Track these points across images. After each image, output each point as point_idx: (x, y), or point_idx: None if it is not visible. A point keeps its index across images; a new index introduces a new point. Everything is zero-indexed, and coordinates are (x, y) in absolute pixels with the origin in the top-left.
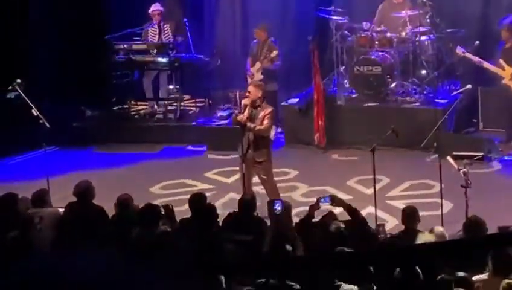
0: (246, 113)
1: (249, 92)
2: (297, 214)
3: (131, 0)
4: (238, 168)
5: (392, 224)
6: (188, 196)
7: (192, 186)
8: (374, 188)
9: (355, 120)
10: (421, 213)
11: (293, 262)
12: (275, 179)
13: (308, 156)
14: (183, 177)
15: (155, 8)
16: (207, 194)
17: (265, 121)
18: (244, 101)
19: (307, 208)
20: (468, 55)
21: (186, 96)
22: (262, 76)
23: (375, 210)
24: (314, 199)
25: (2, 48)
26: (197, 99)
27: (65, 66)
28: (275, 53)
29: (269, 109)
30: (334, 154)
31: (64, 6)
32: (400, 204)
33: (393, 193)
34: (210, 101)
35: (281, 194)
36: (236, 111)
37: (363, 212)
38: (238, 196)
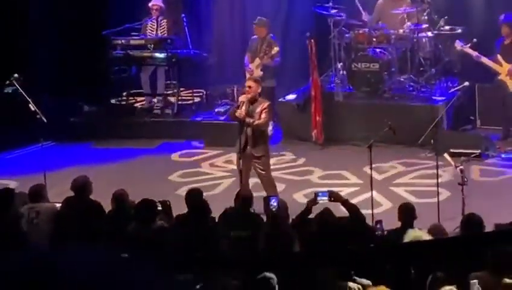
0: (243, 108)
1: (250, 86)
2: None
3: None
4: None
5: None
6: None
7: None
8: (371, 184)
9: (353, 117)
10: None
11: (288, 258)
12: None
13: (307, 151)
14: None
15: (155, 2)
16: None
17: (263, 115)
18: (241, 98)
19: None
20: (466, 49)
21: (183, 89)
22: (262, 72)
23: (372, 207)
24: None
25: (0, 43)
26: (195, 95)
27: (63, 61)
28: (276, 50)
29: (266, 104)
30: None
31: (63, 1)
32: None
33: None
34: (206, 93)
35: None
36: (233, 107)
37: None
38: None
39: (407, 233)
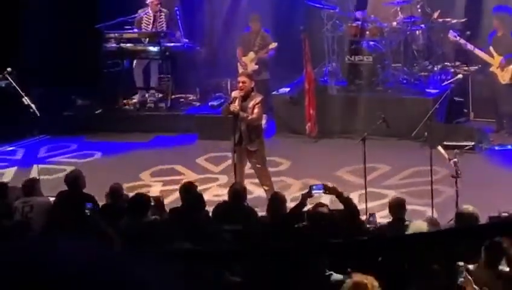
0: (236, 103)
1: (243, 82)
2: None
3: None
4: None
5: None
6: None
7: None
8: (365, 178)
9: (346, 110)
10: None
11: (283, 251)
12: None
13: (299, 146)
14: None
15: None
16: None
17: (256, 110)
18: (234, 94)
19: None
20: (459, 40)
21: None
22: (257, 66)
23: (366, 200)
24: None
25: None
26: (188, 88)
27: (56, 55)
28: (274, 44)
29: (259, 98)
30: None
31: None
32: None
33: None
34: (200, 92)
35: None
36: (226, 103)
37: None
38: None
39: (410, 225)
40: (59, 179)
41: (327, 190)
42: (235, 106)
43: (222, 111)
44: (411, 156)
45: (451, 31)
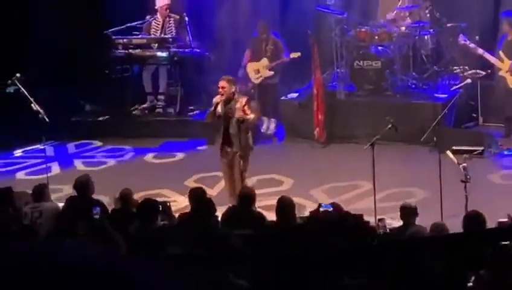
0: (219, 108)
1: (223, 87)
2: None
3: None
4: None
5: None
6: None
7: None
8: (374, 182)
9: (355, 115)
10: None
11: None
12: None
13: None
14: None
15: (163, 3)
16: None
17: (248, 111)
18: (215, 99)
19: None
20: (469, 44)
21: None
22: (272, 72)
23: (375, 204)
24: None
25: (1, 43)
26: (197, 93)
27: (65, 61)
28: (297, 54)
29: (244, 99)
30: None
31: (65, 0)
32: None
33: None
34: (206, 96)
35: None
36: (209, 109)
37: None
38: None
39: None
40: (68, 185)
41: (336, 208)
42: (242, 115)
43: (206, 117)
44: (420, 160)
45: (461, 35)
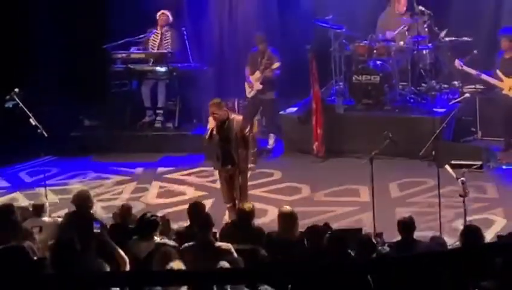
0: (215, 132)
1: (213, 113)
2: None
3: (130, 10)
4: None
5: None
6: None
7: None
8: (373, 196)
9: (354, 129)
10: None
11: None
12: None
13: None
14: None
15: (163, 11)
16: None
17: (246, 129)
18: (209, 125)
19: None
20: (466, 68)
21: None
22: (261, 86)
23: (374, 219)
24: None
25: (1, 57)
26: (196, 108)
27: (63, 76)
28: (276, 65)
29: (240, 117)
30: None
31: (64, 15)
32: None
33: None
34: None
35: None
36: (205, 134)
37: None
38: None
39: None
40: (66, 200)
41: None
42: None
43: (203, 141)
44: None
45: (457, 60)
